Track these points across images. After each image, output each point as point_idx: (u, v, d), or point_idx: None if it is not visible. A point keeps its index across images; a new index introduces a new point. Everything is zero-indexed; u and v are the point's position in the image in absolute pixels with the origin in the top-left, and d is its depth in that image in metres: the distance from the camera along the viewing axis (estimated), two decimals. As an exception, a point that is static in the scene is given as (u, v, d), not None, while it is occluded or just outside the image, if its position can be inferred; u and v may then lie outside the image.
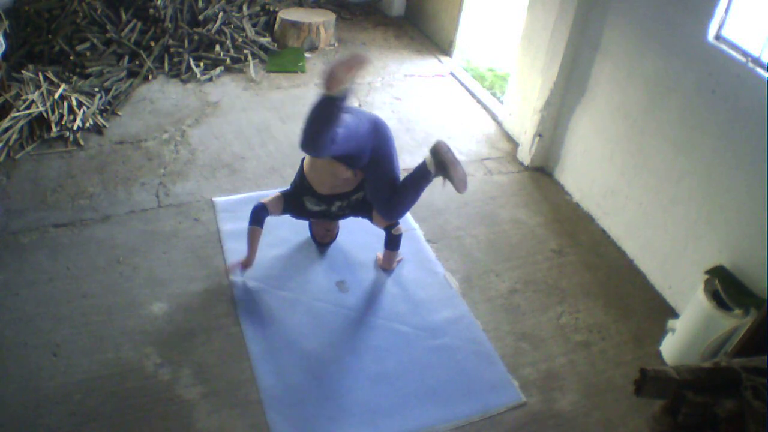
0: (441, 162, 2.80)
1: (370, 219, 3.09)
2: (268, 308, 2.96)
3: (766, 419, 1.85)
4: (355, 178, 2.90)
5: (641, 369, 2.01)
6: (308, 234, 3.37)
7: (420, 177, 2.89)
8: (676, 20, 3.00)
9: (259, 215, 2.96)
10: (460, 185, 2.82)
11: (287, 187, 3.08)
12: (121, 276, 3.04)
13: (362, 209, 3.07)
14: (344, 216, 3.11)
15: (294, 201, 2.99)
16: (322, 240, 3.31)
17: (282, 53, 5.22)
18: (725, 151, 2.84)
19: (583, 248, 3.56)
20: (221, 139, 4.10)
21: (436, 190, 3.86)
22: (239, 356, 2.73)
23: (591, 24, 3.55)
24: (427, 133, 4.43)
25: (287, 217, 3.43)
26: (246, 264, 3.05)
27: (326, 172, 2.85)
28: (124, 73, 4.55)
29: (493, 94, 5.03)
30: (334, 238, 3.34)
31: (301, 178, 2.95)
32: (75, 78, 4.33)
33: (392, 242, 3.13)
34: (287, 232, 3.40)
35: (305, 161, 2.94)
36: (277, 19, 5.36)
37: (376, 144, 2.80)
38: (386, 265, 3.24)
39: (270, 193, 3.11)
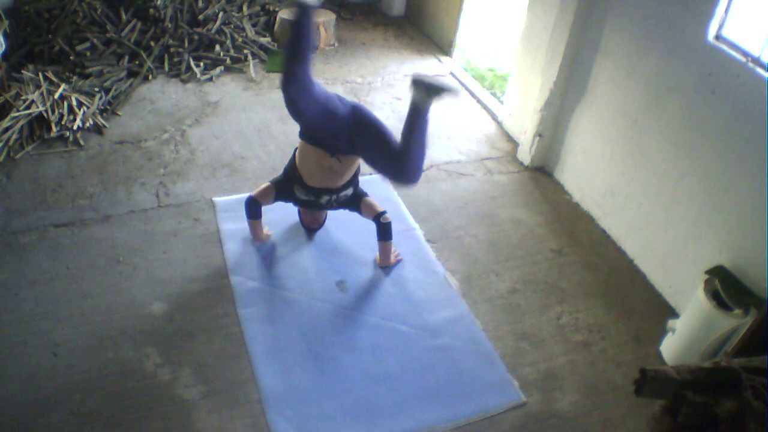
0: (427, 85, 2.66)
1: (360, 212, 3.14)
2: (268, 308, 2.96)
3: (766, 419, 1.85)
4: (341, 170, 2.88)
5: (641, 369, 2.01)
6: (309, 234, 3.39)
7: (415, 119, 2.73)
8: (676, 20, 3.00)
9: (252, 209, 3.13)
10: (454, 90, 2.70)
11: (279, 174, 3.14)
12: (121, 276, 3.04)
13: (351, 204, 3.13)
14: (332, 208, 3.16)
15: (285, 188, 3.06)
16: (310, 226, 3.34)
17: (282, 53, 5.21)
18: (725, 151, 2.84)
19: (583, 248, 3.56)
20: (221, 139, 4.10)
21: (437, 190, 3.88)
22: (239, 356, 2.73)
23: (591, 24, 3.55)
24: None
25: (287, 217, 3.45)
26: (256, 241, 3.30)
27: (313, 163, 2.88)
28: (124, 73, 4.55)
29: (493, 94, 5.03)
30: (322, 225, 3.37)
31: (292, 168, 3.02)
32: (75, 78, 4.33)
33: (383, 232, 3.12)
34: (287, 232, 3.40)
35: (297, 152, 2.98)
36: (277, 19, 5.36)
37: (357, 130, 2.78)
38: (384, 261, 3.24)
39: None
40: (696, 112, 2.96)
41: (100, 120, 4.07)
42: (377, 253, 3.27)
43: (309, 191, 2.98)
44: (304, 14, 2.70)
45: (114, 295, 2.94)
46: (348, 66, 5.21)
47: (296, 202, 3.12)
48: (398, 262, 3.29)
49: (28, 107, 3.90)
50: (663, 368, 2.08)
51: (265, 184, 3.10)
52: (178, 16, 5.00)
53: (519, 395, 2.70)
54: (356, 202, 3.11)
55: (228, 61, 4.90)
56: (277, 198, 3.09)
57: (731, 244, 2.85)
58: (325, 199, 3.01)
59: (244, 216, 3.39)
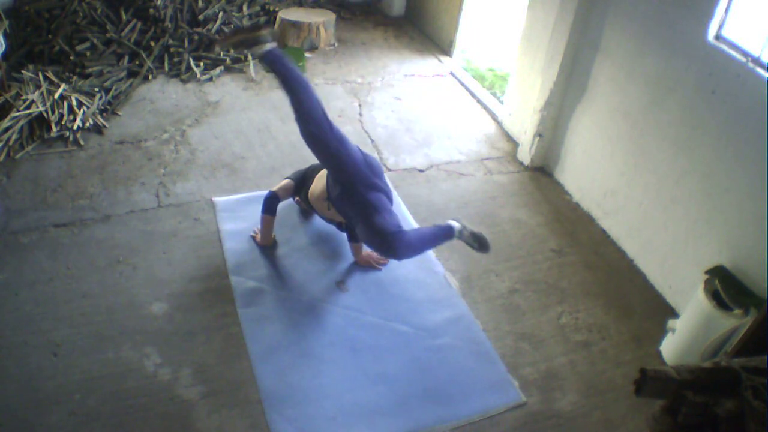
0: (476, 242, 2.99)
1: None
2: (268, 308, 2.96)
3: (766, 419, 1.85)
4: (334, 214, 3.08)
5: (641, 369, 2.01)
6: (308, 234, 3.40)
7: (443, 238, 2.94)
8: (676, 20, 3.00)
9: (271, 204, 3.16)
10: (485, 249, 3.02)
11: (296, 171, 3.36)
12: (121, 276, 3.04)
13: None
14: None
15: (299, 188, 3.26)
16: (301, 205, 3.53)
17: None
18: (725, 151, 2.84)
19: (583, 248, 3.56)
20: (221, 139, 4.10)
21: (437, 190, 3.88)
22: (239, 356, 2.73)
23: (591, 24, 3.55)
24: (427, 133, 4.43)
25: (287, 218, 3.45)
26: (261, 244, 3.28)
27: (319, 188, 3.10)
28: (124, 73, 4.55)
29: (493, 94, 5.03)
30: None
31: (308, 175, 3.24)
32: (75, 78, 4.33)
33: (350, 234, 3.18)
34: (287, 231, 3.40)
35: (321, 171, 3.15)
36: (277, 19, 5.36)
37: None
38: (357, 259, 3.25)
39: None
40: (696, 112, 2.97)
41: (100, 120, 4.07)
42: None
43: (306, 201, 3.24)
44: (270, 60, 2.74)
45: (114, 295, 2.94)
46: (348, 66, 5.21)
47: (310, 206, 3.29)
48: (382, 265, 3.26)
49: (28, 107, 3.90)
50: (663, 368, 2.08)
51: (285, 181, 3.25)
52: (178, 16, 5.00)
53: (519, 395, 2.70)
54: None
55: (228, 61, 4.90)
56: (294, 195, 3.29)
57: (731, 244, 2.85)
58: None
59: (244, 216, 3.40)
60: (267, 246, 3.28)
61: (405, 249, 2.71)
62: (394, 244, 2.66)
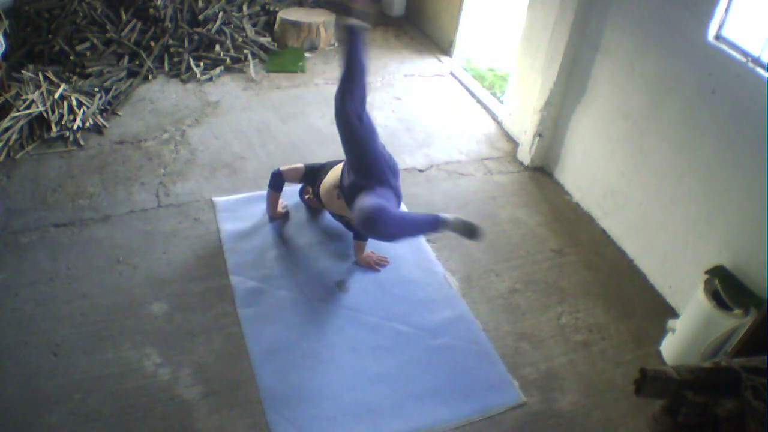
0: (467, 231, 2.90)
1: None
2: (268, 308, 2.96)
3: (766, 419, 1.85)
4: (341, 205, 3.07)
5: (641, 369, 2.02)
6: (309, 234, 3.40)
7: (428, 226, 2.88)
8: (676, 20, 3.00)
9: (275, 181, 3.31)
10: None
11: (316, 163, 3.38)
12: (121, 276, 3.04)
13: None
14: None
15: (311, 178, 3.30)
16: (310, 204, 3.57)
17: (282, 53, 5.22)
18: (725, 151, 2.84)
19: (583, 248, 3.56)
20: (221, 139, 4.10)
21: (437, 190, 3.88)
22: (239, 356, 2.73)
23: (591, 24, 3.55)
24: (427, 133, 4.43)
25: (288, 217, 3.46)
26: (271, 217, 3.45)
27: (330, 179, 3.14)
28: (124, 73, 4.55)
29: (493, 94, 5.03)
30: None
31: (323, 169, 3.24)
32: (75, 78, 4.33)
33: (357, 232, 3.18)
34: (287, 231, 3.40)
35: (336, 166, 3.17)
36: (277, 19, 5.36)
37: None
38: (358, 259, 3.25)
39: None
40: (696, 112, 2.97)
41: (100, 120, 4.07)
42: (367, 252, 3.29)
43: (317, 196, 3.25)
44: (351, 37, 2.79)
45: (114, 295, 2.94)
46: (348, 66, 5.21)
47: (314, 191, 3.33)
48: (383, 266, 3.25)
49: (28, 107, 3.89)
50: (663, 368, 2.08)
51: (297, 165, 3.32)
52: (178, 16, 5.00)
53: (519, 395, 2.70)
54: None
55: (228, 61, 4.89)
56: (301, 181, 3.35)
57: (731, 244, 2.85)
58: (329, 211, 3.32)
59: (244, 216, 3.41)
60: (275, 218, 3.42)
61: (386, 225, 2.65)
62: (374, 217, 2.61)
